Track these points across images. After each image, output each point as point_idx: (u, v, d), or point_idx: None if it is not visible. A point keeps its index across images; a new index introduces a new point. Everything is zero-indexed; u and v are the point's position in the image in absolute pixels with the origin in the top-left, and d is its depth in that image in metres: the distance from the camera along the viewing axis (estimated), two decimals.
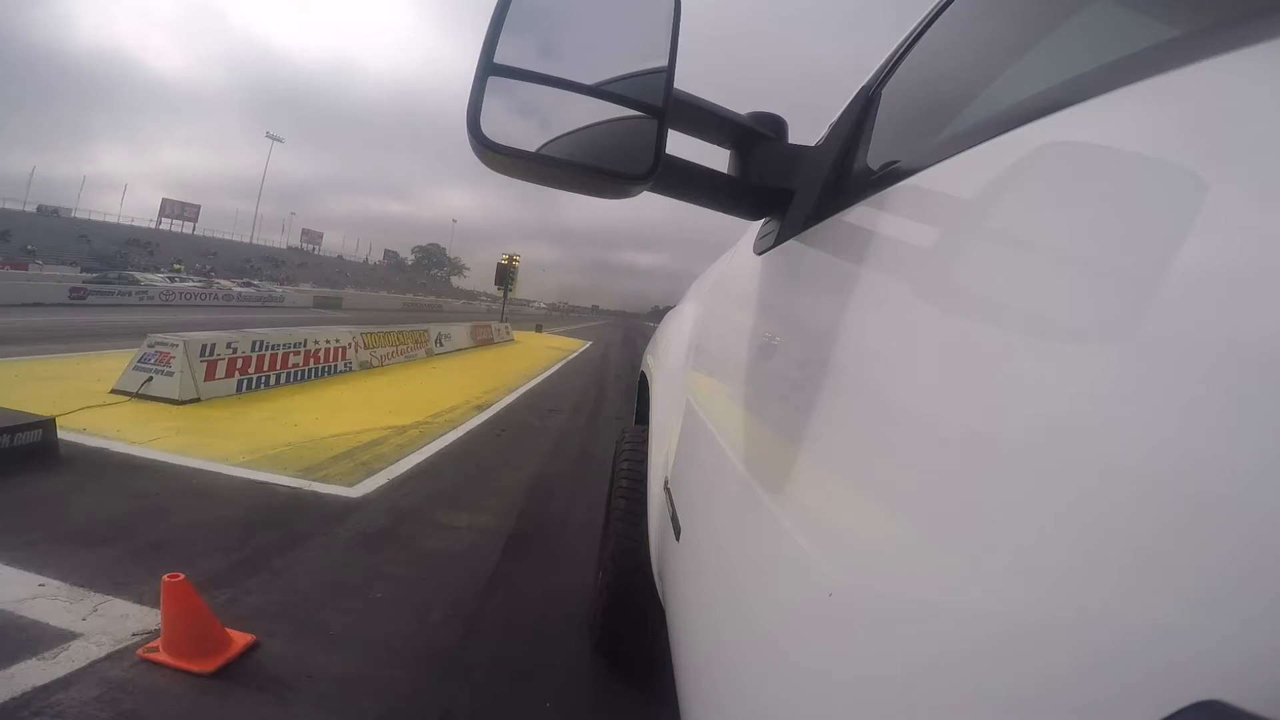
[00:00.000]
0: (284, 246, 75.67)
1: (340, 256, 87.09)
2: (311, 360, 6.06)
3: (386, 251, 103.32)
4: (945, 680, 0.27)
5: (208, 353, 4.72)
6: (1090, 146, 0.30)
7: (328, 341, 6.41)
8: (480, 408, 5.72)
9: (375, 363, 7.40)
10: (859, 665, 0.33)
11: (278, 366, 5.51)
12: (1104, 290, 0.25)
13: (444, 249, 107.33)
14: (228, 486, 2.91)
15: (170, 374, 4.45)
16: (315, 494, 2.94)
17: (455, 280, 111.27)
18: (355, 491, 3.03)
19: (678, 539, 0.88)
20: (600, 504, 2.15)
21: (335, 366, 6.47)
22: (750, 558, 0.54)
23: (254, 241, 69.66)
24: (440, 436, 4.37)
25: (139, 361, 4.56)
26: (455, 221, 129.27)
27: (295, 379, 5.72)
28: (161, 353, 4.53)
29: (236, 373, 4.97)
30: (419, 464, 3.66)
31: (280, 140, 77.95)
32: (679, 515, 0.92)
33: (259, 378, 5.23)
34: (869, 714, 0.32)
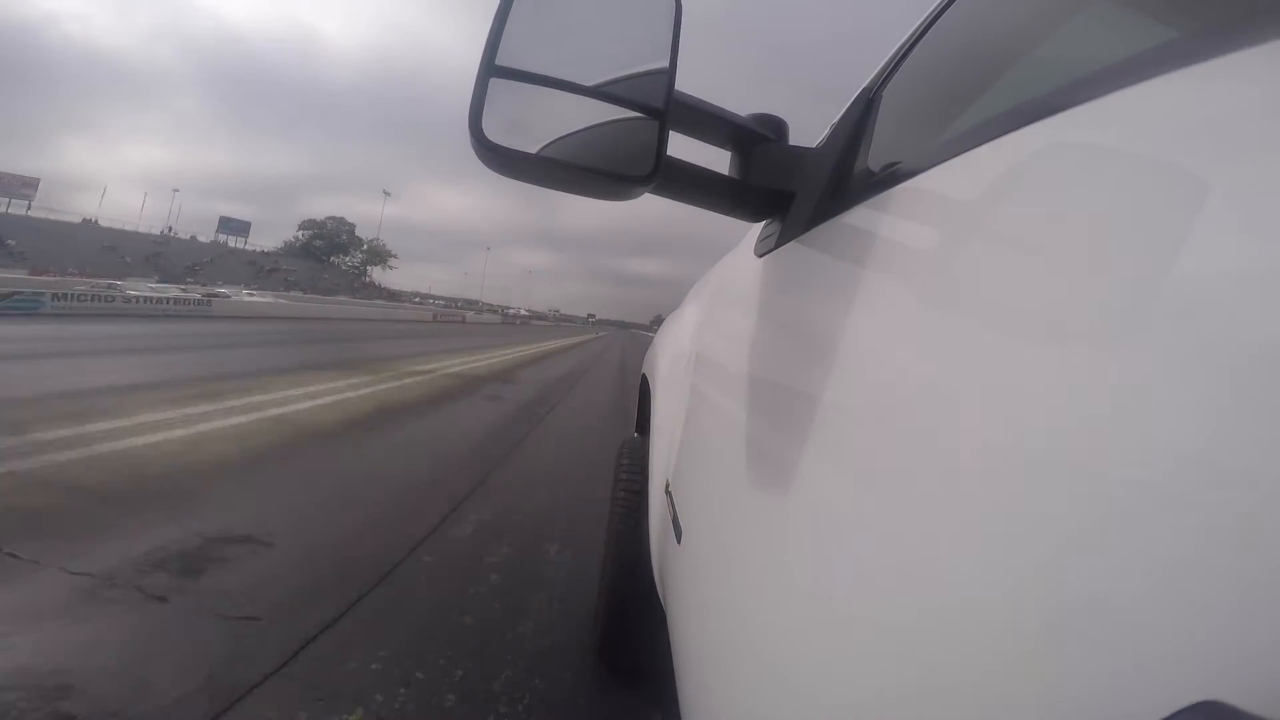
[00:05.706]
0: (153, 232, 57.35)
1: (169, 229, 62.96)
2: None
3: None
4: (946, 682, 0.27)
5: None
6: (1093, 148, 0.30)
7: None
8: None
9: None
10: (859, 668, 0.33)
11: None
12: (1108, 293, 0.25)
13: (354, 226, 70.79)
14: None
15: None
16: None
17: (378, 274, 76.16)
18: None
19: (679, 542, 0.87)
20: None
21: None
22: (752, 560, 0.54)
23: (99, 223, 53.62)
24: None
25: None
26: (388, 194, 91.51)
27: None
28: None
29: None
30: None
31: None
32: (680, 518, 0.91)
33: None
34: (870, 717, 0.32)
